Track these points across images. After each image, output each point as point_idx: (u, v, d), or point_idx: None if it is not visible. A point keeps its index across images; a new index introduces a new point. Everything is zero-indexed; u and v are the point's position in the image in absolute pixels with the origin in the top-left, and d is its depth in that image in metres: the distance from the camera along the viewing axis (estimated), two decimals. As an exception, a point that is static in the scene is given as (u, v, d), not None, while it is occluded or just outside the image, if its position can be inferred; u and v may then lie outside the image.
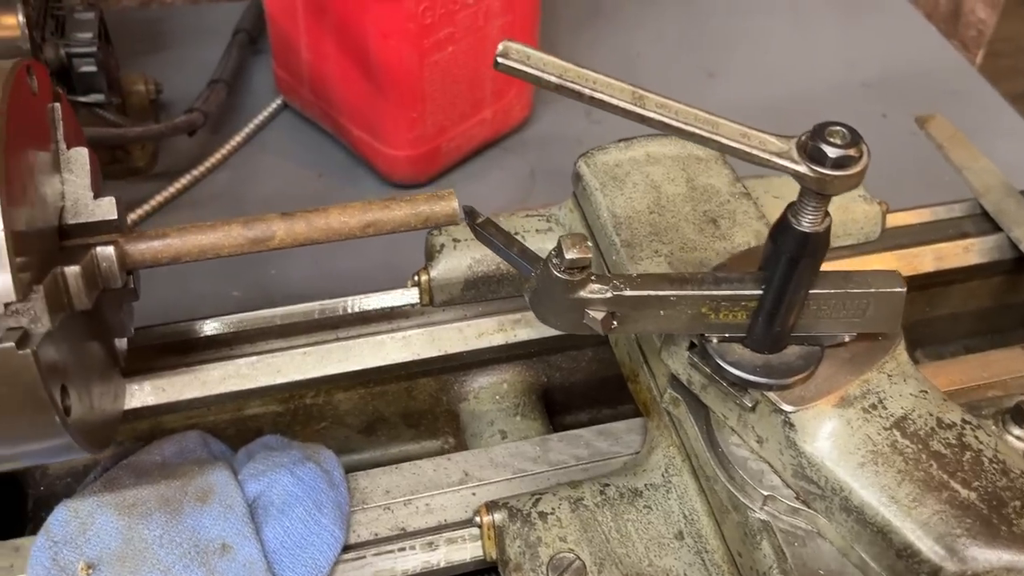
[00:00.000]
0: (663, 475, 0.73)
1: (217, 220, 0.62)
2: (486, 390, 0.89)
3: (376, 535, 0.73)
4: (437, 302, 0.85)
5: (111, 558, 0.66)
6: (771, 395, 0.63)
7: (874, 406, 0.63)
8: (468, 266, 0.85)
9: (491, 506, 0.71)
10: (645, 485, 0.73)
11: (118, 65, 1.21)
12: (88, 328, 0.61)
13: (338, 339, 0.84)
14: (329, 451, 0.76)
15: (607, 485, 0.73)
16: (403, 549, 0.72)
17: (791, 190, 0.93)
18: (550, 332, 0.85)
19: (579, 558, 0.68)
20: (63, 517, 0.69)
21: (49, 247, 0.56)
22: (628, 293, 0.61)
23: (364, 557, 0.71)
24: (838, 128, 0.53)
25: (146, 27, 1.52)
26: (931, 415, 0.63)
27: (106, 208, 0.60)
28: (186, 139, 1.30)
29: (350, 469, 0.77)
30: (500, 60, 0.54)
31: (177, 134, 1.23)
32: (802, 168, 0.53)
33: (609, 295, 0.61)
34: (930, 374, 0.88)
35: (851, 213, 0.93)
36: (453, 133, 1.30)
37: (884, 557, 0.59)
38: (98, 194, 0.62)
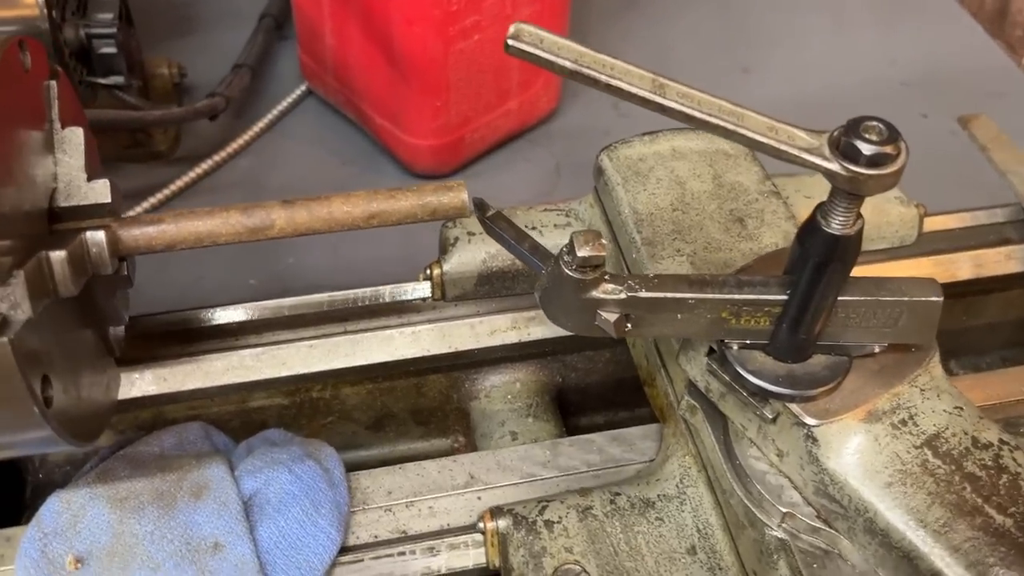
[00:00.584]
0: (677, 486, 0.70)
1: (215, 206, 0.59)
2: (498, 389, 0.86)
3: (376, 537, 0.70)
4: (449, 297, 0.82)
5: (101, 552, 0.64)
6: (793, 407, 0.59)
7: (904, 422, 0.59)
8: (482, 261, 0.81)
9: (496, 512, 0.68)
10: (658, 496, 0.69)
11: (140, 47, 1.20)
12: (77, 315, 0.59)
13: (346, 332, 0.81)
14: (330, 448, 0.73)
15: (618, 494, 0.69)
16: (403, 553, 0.69)
17: (824, 190, 0.89)
18: (566, 331, 0.82)
19: (585, 571, 0.65)
20: (55, 508, 0.67)
21: (37, 230, 0.54)
22: (643, 295, 0.58)
23: (362, 560, 0.69)
24: (874, 123, 0.50)
25: (173, 11, 1.51)
26: (966, 434, 0.59)
27: (99, 191, 0.57)
28: (209, 124, 1.28)
29: (357, 466, 0.75)
30: (511, 42, 0.50)
31: (198, 118, 1.21)
32: (834, 166, 0.50)
33: (623, 296, 0.58)
34: (965, 387, 0.84)
35: (886, 215, 0.89)
36: (478, 123, 1.27)
37: (910, 584, 0.56)
38: (95, 176, 0.60)
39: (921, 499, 0.56)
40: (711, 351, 0.64)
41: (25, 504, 0.79)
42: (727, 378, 0.62)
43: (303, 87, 1.37)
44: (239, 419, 0.82)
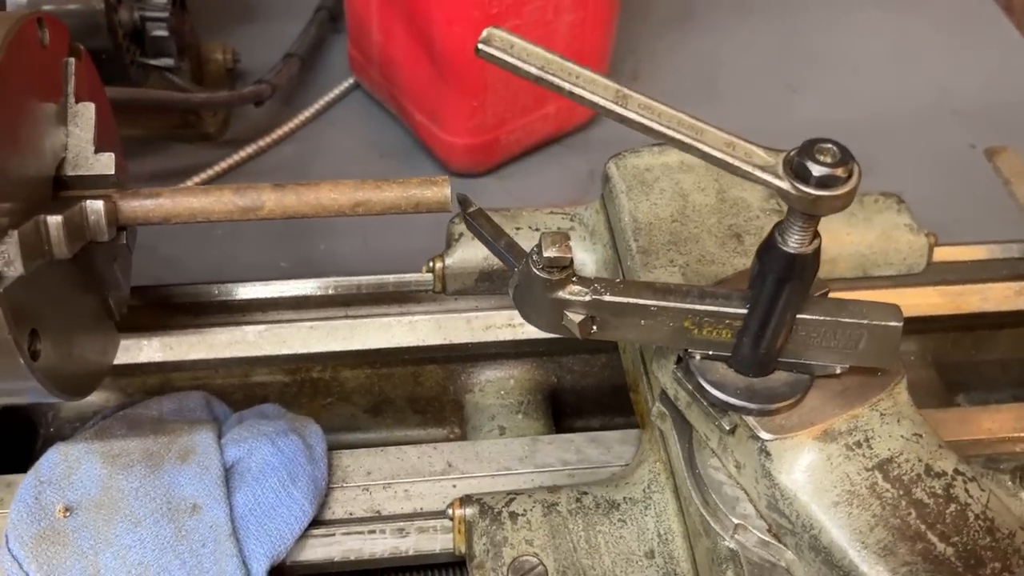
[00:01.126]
0: (644, 491, 0.71)
1: (211, 185, 0.63)
2: (492, 384, 0.88)
3: (350, 514, 0.73)
4: (450, 290, 0.85)
5: (89, 504, 0.68)
6: (750, 420, 0.60)
7: (859, 444, 0.60)
8: (484, 258, 0.84)
9: (465, 500, 0.71)
10: (624, 498, 0.71)
11: (193, 32, 1.25)
12: (75, 279, 0.63)
13: (347, 317, 0.84)
14: (316, 426, 0.76)
15: (585, 493, 0.71)
16: (373, 532, 0.72)
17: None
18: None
19: (542, 563, 0.67)
20: (53, 459, 0.71)
21: (40, 195, 0.58)
22: (607, 298, 0.60)
23: (334, 535, 0.71)
24: (829, 146, 0.50)
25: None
26: (920, 460, 0.59)
27: (104, 163, 0.61)
28: (258, 109, 1.33)
29: (356, 448, 0.77)
30: (481, 47, 0.53)
31: (243, 103, 1.26)
32: (785, 185, 0.51)
33: (588, 299, 0.60)
34: (965, 418, 0.84)
35: (894, 242, 0.89)
36: (513, 126, 1.30)
37: (847, 603, 0.56)
38: (113, 150, 0.63)
39: (865, 520, 0.57)
40: (679, 359, 0.65)
41: (36, 455, 0.84)
42: (690, 387, 0.63)
43: (351, 80, 1.42)
44: (242, 392, 0.86)
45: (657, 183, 0.83)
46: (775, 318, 0.57)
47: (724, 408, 0.61)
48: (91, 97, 0.64)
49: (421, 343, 0.83)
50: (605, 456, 0.77)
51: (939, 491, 0.58)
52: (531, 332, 0.85)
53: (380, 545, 0.71)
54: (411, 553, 0.71)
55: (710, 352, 0.62)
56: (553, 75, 0.52)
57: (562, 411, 0.92)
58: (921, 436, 0.61)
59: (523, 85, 1.32)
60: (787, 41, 1.60)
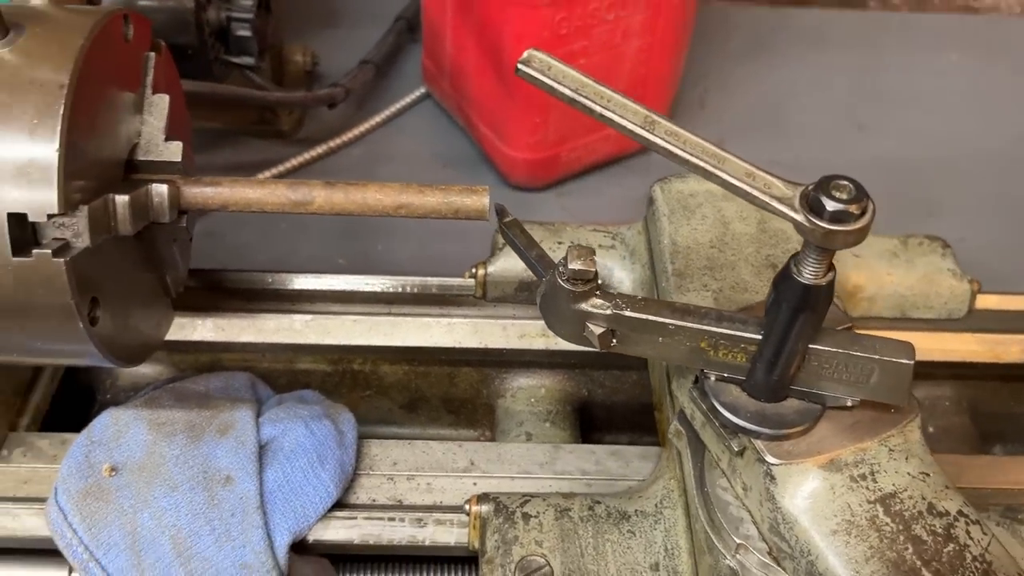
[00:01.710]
0: (657, 505, 0.73)
1: (267, 179, 0.67)
2: (523, 391, 0.91)
3: (373, 501, 0.76)
4: (490, 297, 0.88)
5: (133, 466, 0.73)
6: (758, 443, 0.62)
7: (864, 476, 0.61)
8: (524, 268, 0.86)
9: (482, 498, 0.73)
10: (635, 511, 0.73)
11: (276, 34, 1.31)
12: (136, 256, 0.68)
13: (390, 314, 0.88)
14: (350, 414, 0.80)
15: (598, 502, 0.73)
16: (393, 519, 0.75)
17: (874, 250, 0.90)
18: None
19: (549, 564, 0.69)
20: (105, 422, 0.76)
21: (111, 176, 0.63)
22: (627, 314, 0.62)
23: (355, 519, 0.75)
24: (846, 183, 0.52)
25: (322, 5, 1.63)
26: (923, 498, 0.60)
27: (173, 151, 0.66)
28: (331, 111, 1.38)
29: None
30: (521, 67, 0.56)
31: (316, 104, 1.31)
32: (800, 217, 0.53)
33: (609, 312, 0.62)
34: (993, 466, 0.84)
35: (936, 286, 0.89)
36: (575, 144, 1.33)
37: (836, 630, 0.58)
38: (183, 141, 0.68)
39: (861, 551, 0.58)
40: (696, 380, 0.67)
41: (91, 418, 0.89)
42: (705, 407, 0.65)
43: (422, 89, 1.46)
44: (286, 377, 0.90)
45: (700, 209, 0.85)
46: (788, 346, 0.59)
47: (735, 430, 0.63)
48: (167, 90, 0.69)
49: (457, 345, 0.86)
50: (624, 470, 0.79)
51: (939, 530, 0.59)
52: (564, 344, 0.88)
53: (399, 533, 0.75)
54: (427, 544, 0.74)
55: (725, 374, 0.64)
56: (586, 98, 0.55)
57: (592, 425, 0.94)
58: (928, 475, 0.62)
59: (586, 105, 1.35)
60: (860, 78, 1.60)
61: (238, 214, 1.36)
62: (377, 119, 1.43)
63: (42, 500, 0.73)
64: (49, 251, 0.56)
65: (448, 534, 0.75)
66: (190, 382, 0.82)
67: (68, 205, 0.56)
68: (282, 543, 0.71)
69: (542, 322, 0.88)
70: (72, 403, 0.88)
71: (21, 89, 0.56)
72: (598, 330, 0.63)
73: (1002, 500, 0.77)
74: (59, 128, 0.56)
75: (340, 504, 0.76)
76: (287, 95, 1.25)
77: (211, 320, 0.85)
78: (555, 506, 0.73)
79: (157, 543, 0.70)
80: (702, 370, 0.65)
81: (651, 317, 0.62)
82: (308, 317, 0.86)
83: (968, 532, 0.59)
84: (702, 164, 0.54)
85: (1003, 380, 0.92)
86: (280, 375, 0.90)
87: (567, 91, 0.55)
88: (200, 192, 0.66)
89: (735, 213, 0.85)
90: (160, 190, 0.64)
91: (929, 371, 0.90)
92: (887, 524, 0.59)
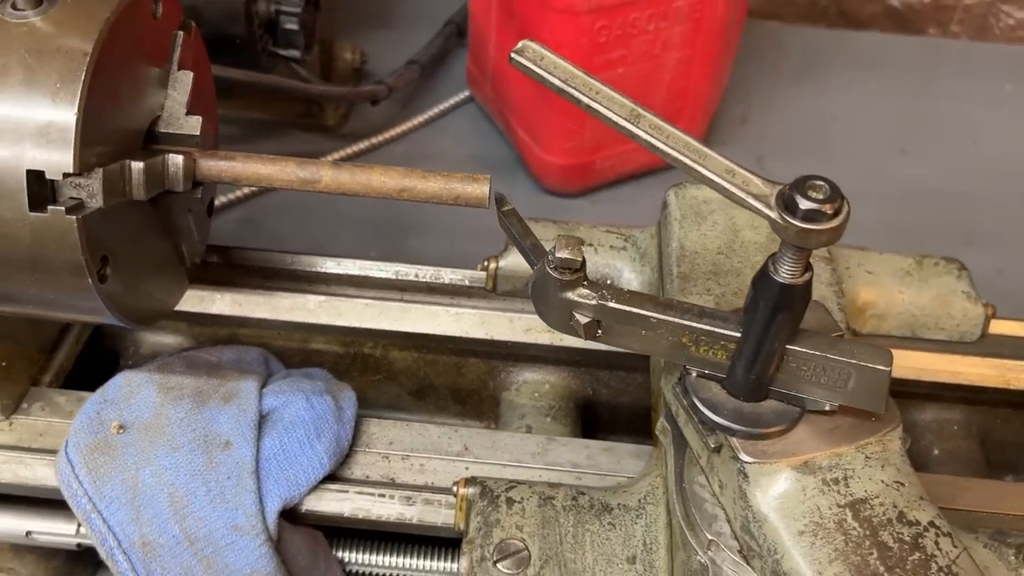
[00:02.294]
0: (640, 501, 0.74)
1: (279, 156, 0.70)
2: (528, 385, 0.92)
3: (367, 477, 0.79)
4: (500, 291, 0.90)
5: (140, 425, 0.76)
6: (734, 441, 0.63)
7: (836, 481, 0.61)
8: (535, 264, 0.88)
9: (469, 481, 0.75)
10: (618, 504, 0.74)
11: (327, 31, 1.35)
12: (151, 223, 0.71)
13: (402, 300, 0.90)
14: (352, 392, 0.82)
15: (582, 494, 0.74)
16: (383, 496, 0.77)
17: (887, 267, 0.90)
18: (598, 345, 0.88)
19: (527, 548, 0.70)
20: (119, 383, 0.80)
21: (130, 144, 0.67)
22: (612, 305, 0.63)
23: (347, 492, 0.77)
24: (822, 183, 0.53)
25: (374, 5, 1.67)
26: (895, 507, 0.60)
27: (192, 124, 0.69)
28: (376, 109, 1.42)
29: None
30: (514, 56, 0.58)
31: (358, 100, 1.35)
32: (773, 215, 0.53)
33: (594, 303, 0.64)
34: (992, 490, 0.83)
35: (948, 307, 0.88)
36: (610, 152, 1.34)
37: (795, 630, 0.58)
38: (209, 119, 0.72)
39: (826, 553, 0.58)
40: (680, 377, 0.68)
41: (113, 382, 0.93)
42: (686, 404, 0.66)
43: (466, 93, 1.49)
44: (299, 356, 0.93)
45: (712, 215, 0.86)
46: (765, 345, 0.60)
47: (713, 427, 0.64)
48: (195, 69, 0.73)
49: (464, 334, 0.88)
50: (615, 466, 0.80)
51: (907, 538, 0.59)
52: (569, 341, 0.90)
53: (388, 509, 0.77)
54: (415, 522, 0.76)
55: (706, 371, 0.64)
56: (575, 88, 0.57)
57: (597, 425, 0.96)
58: (903, 485, 0.62)
59: (622, 114, 1.35)
60: (910, 103, 1.59)
61: (277, 203, 1.41)
62: (420, 119, 1.46)
63: (54, 452, 0.77)
64: (63, 208, 0.60)
65: (435, 514, 0.76)
66: (204, 352, 0.85)
67: (84, 167, 0.60)
68: (273, 508, 0.74)
69: (547, 317, 0.90)
70: (96, 366, 0.92)
71: (48, 55, 0.60)
72: (584, 319, 0.64)
73: (993, 525, 0.76)
74: (79, 93, 0.59)
75: (335, 478, 0.78)
76: (329, 88, 1.29)
77: (229, 295, 0.89)
78: (540, 494, 0.74)
79: (156, 499, 0.73)
80: (685, 366, 0.65)
81: (634, 309, 0.63)
82: (322, 298, 0.89)
83: (937, 543, 0.59)
84: (683, 159, 0.55)
85: (1016, 408, 0.91)
86: (294, 353, 0.93)
87: (557, 81, 0.57)
88: (215, 165, 0.69)
89: (746, 222, 0.85)
90: (176, 160, 0.67)
91: (938, 393, 0.90)
92: (854, 528, 0.59)
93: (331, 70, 1.43)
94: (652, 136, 0.56)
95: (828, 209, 0.52)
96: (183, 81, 0.71)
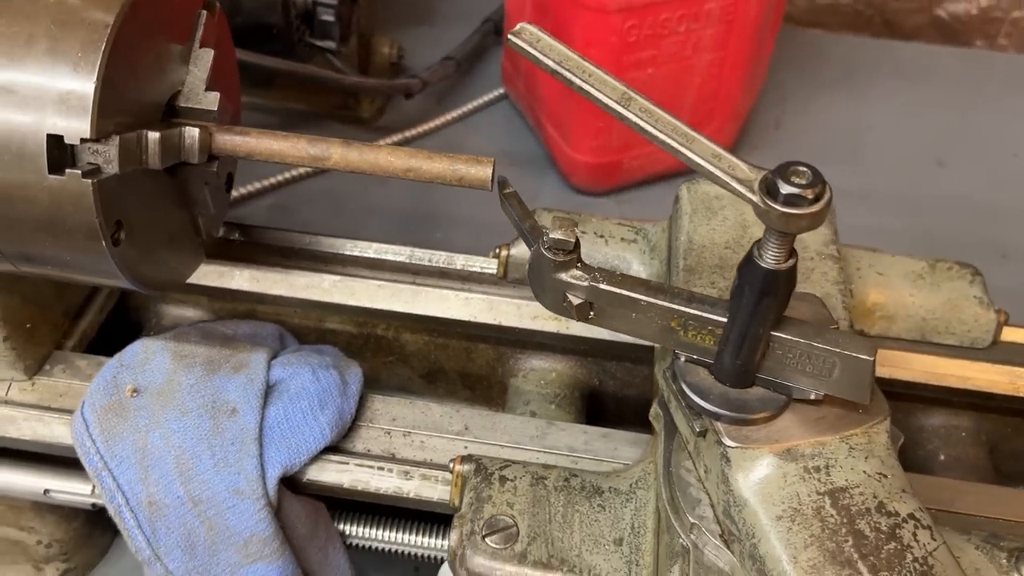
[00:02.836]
0: (631, 485, 0.75)
1: (292, 133, 0.72)
2: (535, 372, 0.93)
3: (368, 451, 0.81)
4: (510, 278, 0.91)
5: (153, 390, 0.79)
6: (719, 425, 0.63)
7: (818, 469, 0.61)
8: (545, 252, 0.90)
9: (466, 458, 0.77)
10: (609, 487, 0.75)
11: (366, 24, 1.38)
12: (168, 194, 0.74)
13: (414, 283, 0.92)
14: (358, 368, 0.84)
15: (575, 475, 0.75)
16: (383, 469, 0.79)
17: (899, 270, 0.90)
18: (604, 334, 0.89)
19: (516, 525, 0.72)
20: (136, 349, 0.83)
21: (150, 117, 0.70)
22: (603, 287, 0.64)
23: (347, 464, 0.79)
24: (805, 169, 0.54)
25: (415, 2, 1.70)
26: (875, 497, 0.60)
27: (211, 100, 0.72)
28: (411, 103, 1.45)
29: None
30: (511, 37, 0.59)
31: (392, 92, 1.38)
32: (755, 199, 0.54)
33: (586, 284, 0.65)
34: (991, 495, 0.82)
35: (960, 312, 0.88)
36: (638, 152, 1.35)
37: (771, 612, 0.58)
38: (230, 98, 0.75)
39: (801, 538, 0.59)
40: (671, 362, 0.69)
41: (135, 352, 0.97)
42: (675, 388, 0.67)
43: (500, 90, 1.51)
44: (315, 335, 0.96)
45: (723, 211, 0.87)
46: (751, 330, 0.60)
47: (699, 411, 0.65)
48: (217, 48, 0.76)
49: (472, 319, 0.90)
50: (612, 453, 0.81)
51: (884, 528, 0.59)
52: (575, 328, 0.91)
53: (386, 482, 0.78)
54: (411, 496, 0.78)
55: (695, 356, 0.65)
56: (568, 70, 0.58)
57: (603, 416, 0.96)
58: (886, 477, 0.62)
59: (650, 114, 1.36)
60: (950, 115, 1.57)
61: (311, 191, 1.44)
62: (454, 114, 1.48)
63: (71, 412, 0.80)
64: (80, 172, 0.62)
65: (432, 489, 0.78)
66: (220, 325, 0.88)
67: (101, 134, 0.63)
68: (273, 474, 0.76)
69: (555, 305, 0.92)
70: (119, 336, 0.95)
71: (73, 26, 0.63)
72: (576, 301, 0.65)
73: (991, 529, 0.76)
74: (99, 63, 0.62)
75: (337, 449, 0.80)
76: (363, 80, 1.32)
77: (248, 271, 0.91)
78: (532, 473, 0.75)
79: (163, 461, 0.76)
80: (675, 351, 0.66)
81: (624, 292, 0.64)
82: (336, 278, 0.92)
83: (915, 535, 0.59)
84: (671, 142, 0.57)
85: (1025, 416, 0.90)
86: (309, 332, 0.96)
87: (551, 63, 0.58)
88: (229, 139, 0.71)
89: (756, 218, 0.86)
90: (192, 132, 0.70)
91: (946, 397, 0.89)
92: (831, 516, 0.59)
93: (369, 64, 1.46)
94: (642, 119, 0.57)
95: (809, 194, 0.53)
96: (204, 58, 0.73)
